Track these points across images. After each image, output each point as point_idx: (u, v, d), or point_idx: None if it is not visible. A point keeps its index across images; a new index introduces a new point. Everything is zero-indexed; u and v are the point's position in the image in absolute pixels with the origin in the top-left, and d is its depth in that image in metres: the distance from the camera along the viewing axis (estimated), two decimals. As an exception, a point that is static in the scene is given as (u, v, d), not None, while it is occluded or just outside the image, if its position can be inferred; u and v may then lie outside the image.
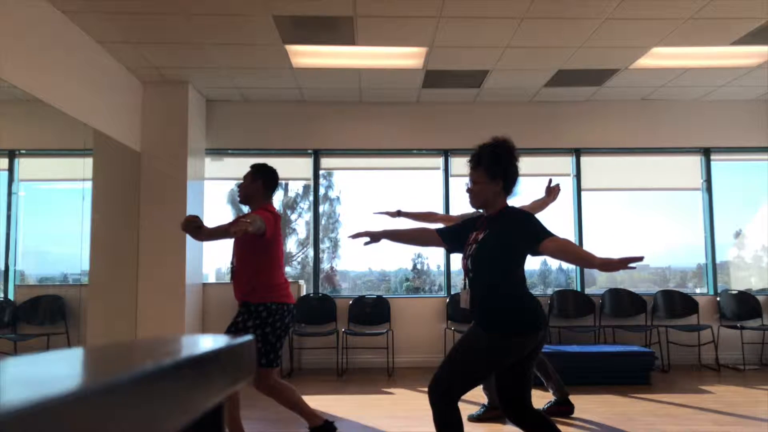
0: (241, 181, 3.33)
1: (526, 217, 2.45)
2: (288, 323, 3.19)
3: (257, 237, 3.02)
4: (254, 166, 3.34)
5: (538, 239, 2.32)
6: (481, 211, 2.66)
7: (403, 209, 3.89)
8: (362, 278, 6.89)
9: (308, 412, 3.22)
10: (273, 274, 3.17)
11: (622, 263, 2.07)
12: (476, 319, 2.44)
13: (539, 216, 2.59)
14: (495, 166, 2.43)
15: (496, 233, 2.41)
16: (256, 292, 3.11)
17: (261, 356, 3.08)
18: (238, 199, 3.37)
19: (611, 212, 6.66)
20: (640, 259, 2.05)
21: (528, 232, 2.37)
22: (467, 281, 2.51)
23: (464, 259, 2.53)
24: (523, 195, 3.46)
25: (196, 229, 3.24)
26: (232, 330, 3.15)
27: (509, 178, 2.46)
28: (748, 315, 6.10)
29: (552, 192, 3.67)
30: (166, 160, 5.67)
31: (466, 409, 3.01)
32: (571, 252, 2.38)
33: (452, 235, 2.68)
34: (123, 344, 0.59)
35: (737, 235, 6.62)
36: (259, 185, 3.27)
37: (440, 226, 2.94)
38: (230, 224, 3.09)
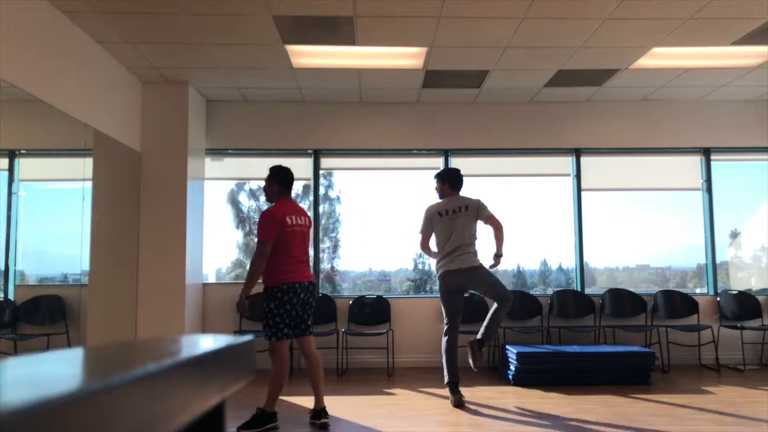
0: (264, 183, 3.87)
1: None
2: (293, 299, 3.64)
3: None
4: (270, 169, 3.82)
5: None
6: None
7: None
8: (362, 278, 6.88)
9: (274, 397, 3.64)
10: (276, 262, 3.63)
11: None
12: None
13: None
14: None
15: None
16: (266, 279, 3.68)
17: (267, 330, 3.64)
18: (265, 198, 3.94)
19: (611, 212, 6.66)
20: None
21: None
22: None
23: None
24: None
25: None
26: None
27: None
28: (748, 315, 6.10)
29: None
30: (166, 160, 5.67)
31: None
32: None
33: None
34: (123, 344, 0.59)
35: (733, 235, 6.62)
36: (275, 187, 3.77)
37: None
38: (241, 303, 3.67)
